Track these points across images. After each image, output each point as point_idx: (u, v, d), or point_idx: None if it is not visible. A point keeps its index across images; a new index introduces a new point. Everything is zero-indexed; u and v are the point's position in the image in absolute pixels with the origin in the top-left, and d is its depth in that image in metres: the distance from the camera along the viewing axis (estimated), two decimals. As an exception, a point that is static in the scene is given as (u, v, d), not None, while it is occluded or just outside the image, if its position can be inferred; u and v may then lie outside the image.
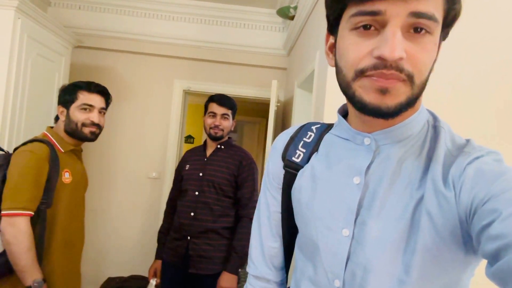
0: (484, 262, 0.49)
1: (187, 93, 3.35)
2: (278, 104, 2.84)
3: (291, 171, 0.72)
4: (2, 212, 1.34)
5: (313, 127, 0.75)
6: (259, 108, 5.59)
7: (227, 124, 2.01)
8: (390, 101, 0.53)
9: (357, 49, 0.54)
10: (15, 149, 1.46)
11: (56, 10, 3.10)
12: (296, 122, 2.58)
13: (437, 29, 0.53)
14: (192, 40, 3.20)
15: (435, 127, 0.61)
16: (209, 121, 2.00)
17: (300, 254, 0.71)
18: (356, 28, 0.54)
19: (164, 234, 2.11)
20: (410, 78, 0.52)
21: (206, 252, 1.89)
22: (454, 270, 0.54)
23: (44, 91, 2.38)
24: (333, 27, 0.61)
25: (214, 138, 2.01)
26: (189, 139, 5.77)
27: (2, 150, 1.52)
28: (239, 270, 1.87)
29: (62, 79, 2.57)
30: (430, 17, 0.51)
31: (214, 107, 2.00)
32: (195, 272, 1.89)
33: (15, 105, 2.10)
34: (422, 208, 0.54)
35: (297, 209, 0.70)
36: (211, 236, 1.91)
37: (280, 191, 0.76)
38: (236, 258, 1.85)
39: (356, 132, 0.63)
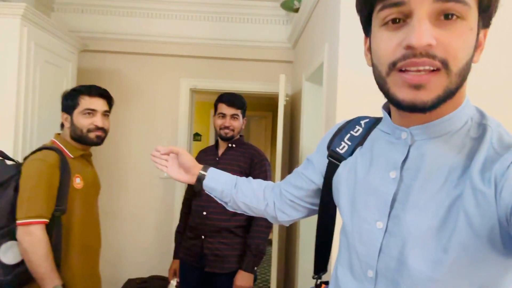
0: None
1: (193, 91, 3.34)
2: (287, 99, 2.83)
3: (333, 161, 0.75)
4: (18, 221, 1.35)
5: (362, 122, 0.77)
6: (265, 103, 5.57)
7: (237, 124, 2.00)
8: (426, 96, 0.52)
9: (387, 43, 0.54)
10: (25, 158, 1.48)
11: (60, 16, 3.10)
12: (306, 115, 2.56)
13: (470, 13, 0.51)
14: (196, 38, 3.19)
15: (481, 125, 0.58)
16: (219, 122, 2.00)
17: (343, 237, 0.73)
18: (385, 24, 0.54)
19: (180, 234, 2.13)
20: (445, 65, 0.50)
21: (220, 251, 1.90)
22: (491, 272, 0.53)
23: (53, 97, 2.38)
24: (366, 29, 0.62)
25: (225, 139, 2.01)
26: (196, 137, 5.78)
27: (12, 159, 1.53)
28: (255, 268, 1.88)
29: (70, 84, 2.57)
30: (458, 0, 0.49)
31: (224, 108, 1.99)
32: (211, 271, 1.91)
33: (26, 113, 2.11)
34: (459, 206, 0.52)
35: (337, 199, 0.73)
36: (225, 235, 1.92)
37: (314, 174, 0.83)
38: (250, 256, 1.86)
39: (395, 126, 0.63)
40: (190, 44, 3.20)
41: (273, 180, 2.36)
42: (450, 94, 0.53)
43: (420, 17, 0.50)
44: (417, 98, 0.52)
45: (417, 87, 0.51)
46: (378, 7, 0.54)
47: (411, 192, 0.58)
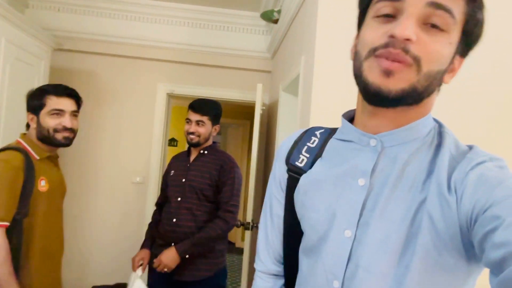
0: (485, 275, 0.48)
1: (171, 96, 3.31)
2: (264, 108, 2.84)
3: (294, 175, 0.73)
4: None
5: (317, 132, 0.75)
6: (243, 111, 5.58)
7: (203, 130, 1.99)
8: (393, 85, 0.54)
9: (375, 31, 0.57)
10: None
11: (34, 12, 3.02)
12: (281, 125, 2.58)
13: (454, 28, 0.54)
14: (175, 43, 3.17)
15: (440, 133, 0.61)
16: (186, 127, 2.02)
17: (303, 257, 0.71)
18: (378, 16, 0.58)
19: (154, 224, 2.07)
20: (417, 62, 0.53)
21: (189, 259, 1.87)
22: (456, 277, 0.54)
23: (23, 96, 2.31)
24: (360, 25, 0.65)
25: (191, 145, 2.02)
26: (172, 142, 5.71)
27: None
28: (186, 256, 1.83)
29: (41, 83, 2.49)
30: (448, 10, 0.53)
31: (190, 114, 2.01)
32: (179, 279, 1.88)
33: (-8, 111, 2.03)
34: (424, 210, 0.54)
35: (302, 212, 0.71)
36: None
37: (284, 195, 0.77)
38: (188, 243, 1.83)
39: (362, 133, 0.63)
40: (169, 48, 3.18)
41: (247, 187, 2.34)
42: (414, 94, 0.55)
43: (409, 14, 0.53)
44: (384, 84, 0.54)
45: (387, 73, 0.54)
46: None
47: (380, 199, 0.58)
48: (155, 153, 3.19)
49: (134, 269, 1.94)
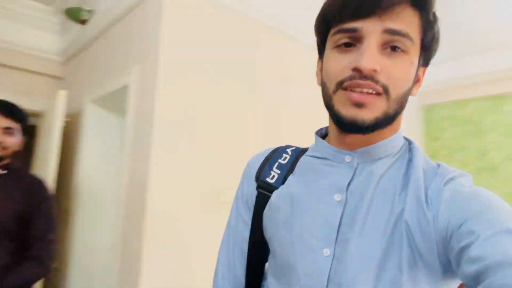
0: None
1: None
2: (68, 120, 2.34)
3: (264, 192, 0.68)
4: None
5: (288, 150, 0.73)
6: None
7: (13, 141, 1.47)
8: (367, 115, 0.55)
9: (337, 63, 0.57)
10: None
11: None
12: (89, 141, 2.21)
13: (413, 49, 0.56)
14: None
15: (411, 149, 0.64)
16: None
17: (274, 280, 0.64)
18: (337, 46, 0.58)
19: None
20: (385, 91, 0.55)
21: None
22: None
23: None
24: (321, 51, 0.64)
25: None
26: None
27: None
28: None
29: None
30: (404, 35, 0.55)
31: None
32: None
33: None
34: (401, 221, 0.55)
35: (273, 231, 0.65)
36: None
37: (251, 214, 0.70)
38: None
39: (337, 150, 0.63)
40: None
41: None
42: (387, 119, 0.57)
43: (369, 44, 0.54)
44: (358, 116, 0.55)
45: (359, 105, 0.55)
46: (333, 31, 0.58)
47: (358, 215, 0.57)
48: None
49: None
